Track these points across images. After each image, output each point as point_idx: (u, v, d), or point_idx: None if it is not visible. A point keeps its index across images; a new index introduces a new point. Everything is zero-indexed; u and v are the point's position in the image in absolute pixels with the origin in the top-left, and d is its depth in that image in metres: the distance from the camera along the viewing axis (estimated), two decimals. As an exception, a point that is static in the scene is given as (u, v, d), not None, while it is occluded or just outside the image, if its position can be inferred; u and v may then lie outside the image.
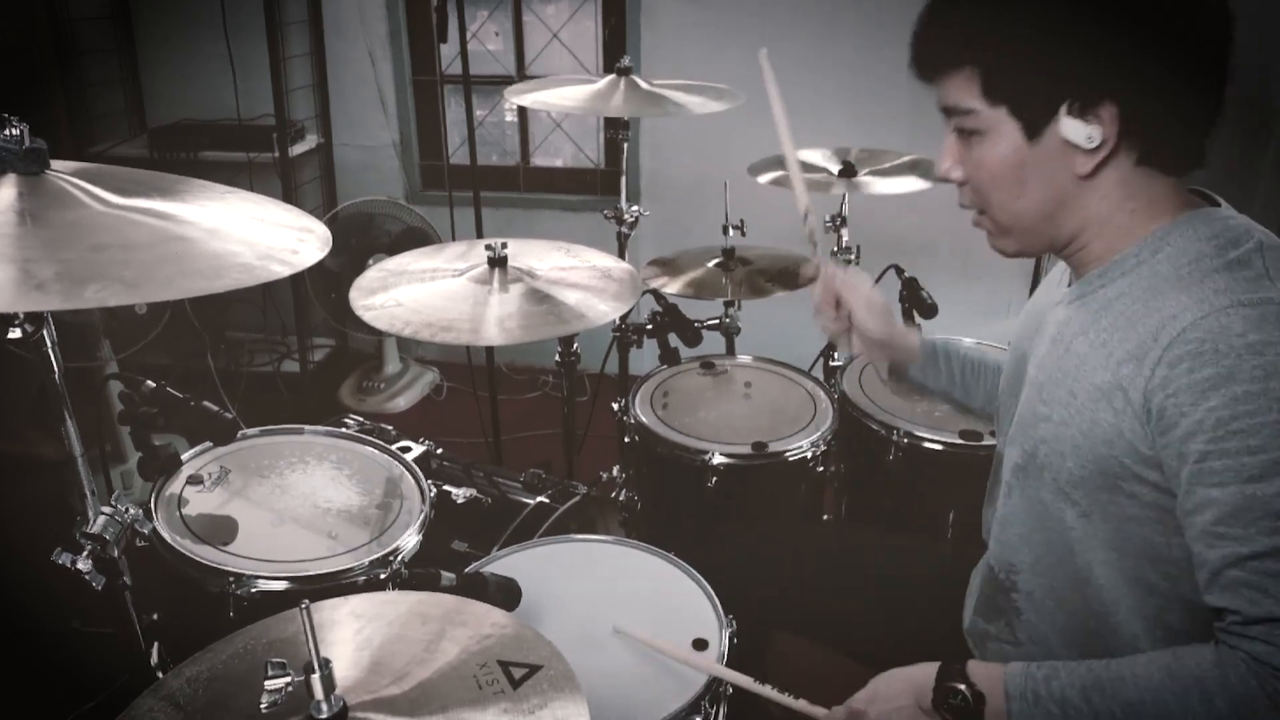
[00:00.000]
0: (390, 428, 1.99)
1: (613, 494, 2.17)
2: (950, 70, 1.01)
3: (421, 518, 1.54)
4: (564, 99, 2.21)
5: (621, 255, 2.37)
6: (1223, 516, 0.89)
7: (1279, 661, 0.86)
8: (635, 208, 2.42)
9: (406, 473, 1.69)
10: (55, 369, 1.10)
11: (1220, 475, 0.88)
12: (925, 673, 1.07)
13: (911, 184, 2.29)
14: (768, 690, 1.19)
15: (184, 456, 1.60)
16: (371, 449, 1.75)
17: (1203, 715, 0.90)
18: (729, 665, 1.29)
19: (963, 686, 1.02)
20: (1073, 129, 0.96)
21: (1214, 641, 0.94)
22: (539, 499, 1.91)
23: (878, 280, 2.38)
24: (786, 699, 1.17)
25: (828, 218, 2.40)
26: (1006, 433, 1.21)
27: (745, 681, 1.21)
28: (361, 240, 3.29)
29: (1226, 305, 0.89)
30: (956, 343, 1.47)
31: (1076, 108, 0.96)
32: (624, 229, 2.42)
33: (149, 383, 1.36)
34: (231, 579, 1.39)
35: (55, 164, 1.05)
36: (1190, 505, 0.92)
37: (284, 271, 1.01)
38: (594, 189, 3.67)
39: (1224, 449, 0.88)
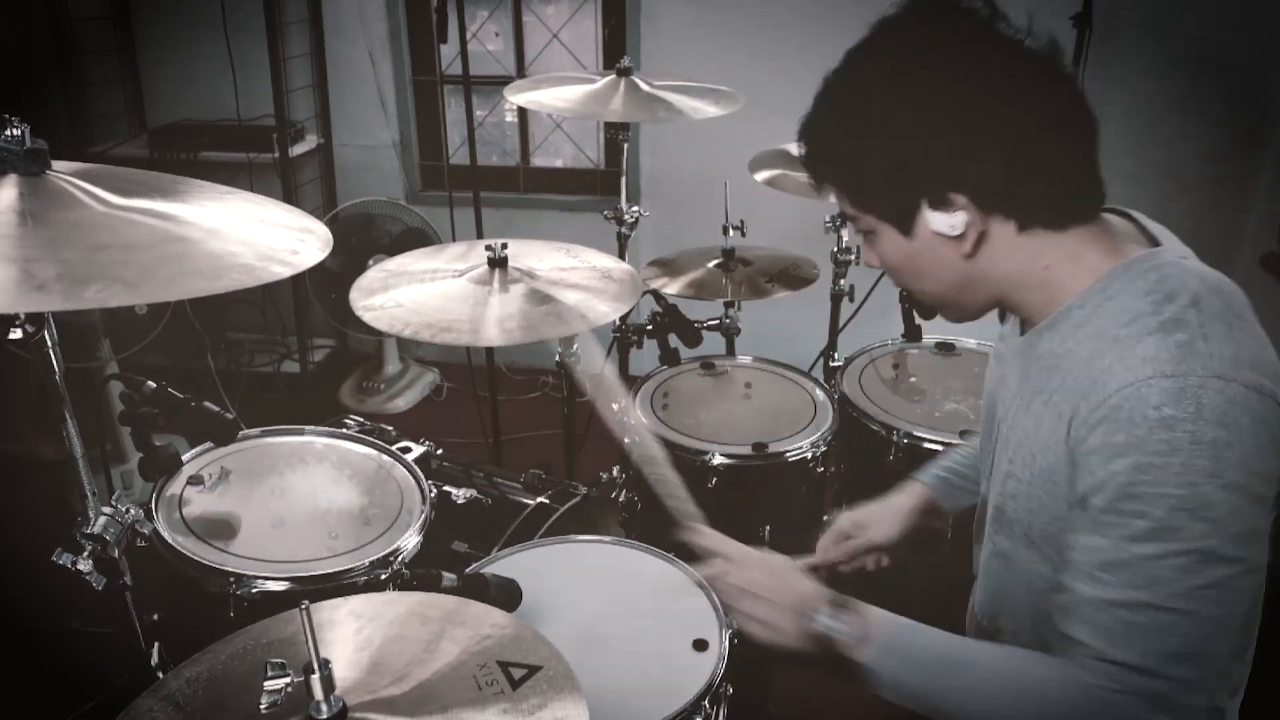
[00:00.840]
0: (390, 428, 1.99)
1: (613, 494, 2.17)
2: (824, 185, 1.08)
3: (422, 518, 1.54)
4: (564, 99, 2.21)
5: (621, 256, 2.37)
6: (1105, 564, 0.93)
7: (1119, 700, 0.92)
8: (635, 208, 2.42)
9: (407, 473, 1.69)
10: (56, 369, 1.10)
11: (1110, 530, 0.92)
12: (815, 592, 1.09)
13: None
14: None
15: (184, 457, 1.60)
16: (372, 449, 1.75)
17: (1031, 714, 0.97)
18: (728, 667, 1.29)
19: (844, 629, 1.05)
20: (936, 221, 1.00)
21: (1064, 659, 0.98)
22: (539, 500, 1.91)
23: (877, 282, 2.39)
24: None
25: (828, 218, 2.40)
26: (988, 477, 1.21)
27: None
28: (362, 240, 3.29)
29: (1149, 376, 0.91)
30: (942, 463, 1.44)
31: (932, 202, 1.00)
32: (624, 229, 2.41)
33: (149, 383, 1.36)
34: (232, 579, 1.40)
35: (56, 165, 1.05)
36: (1076, 543, 0.96)
37: (284, 272, 1.01)
38: (594, 189, 3.67)
39: (1119, 509, 0.91)
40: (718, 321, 2.37)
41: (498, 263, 1.71)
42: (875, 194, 1.04)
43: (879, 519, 1.40)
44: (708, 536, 1.20)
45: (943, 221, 1.00)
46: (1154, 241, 1.04)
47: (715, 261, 2.34)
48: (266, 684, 0.82)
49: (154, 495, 1.53)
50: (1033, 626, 1.12)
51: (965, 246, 1.01)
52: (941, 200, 0.99)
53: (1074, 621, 0.96)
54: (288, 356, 3.63)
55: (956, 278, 1.05)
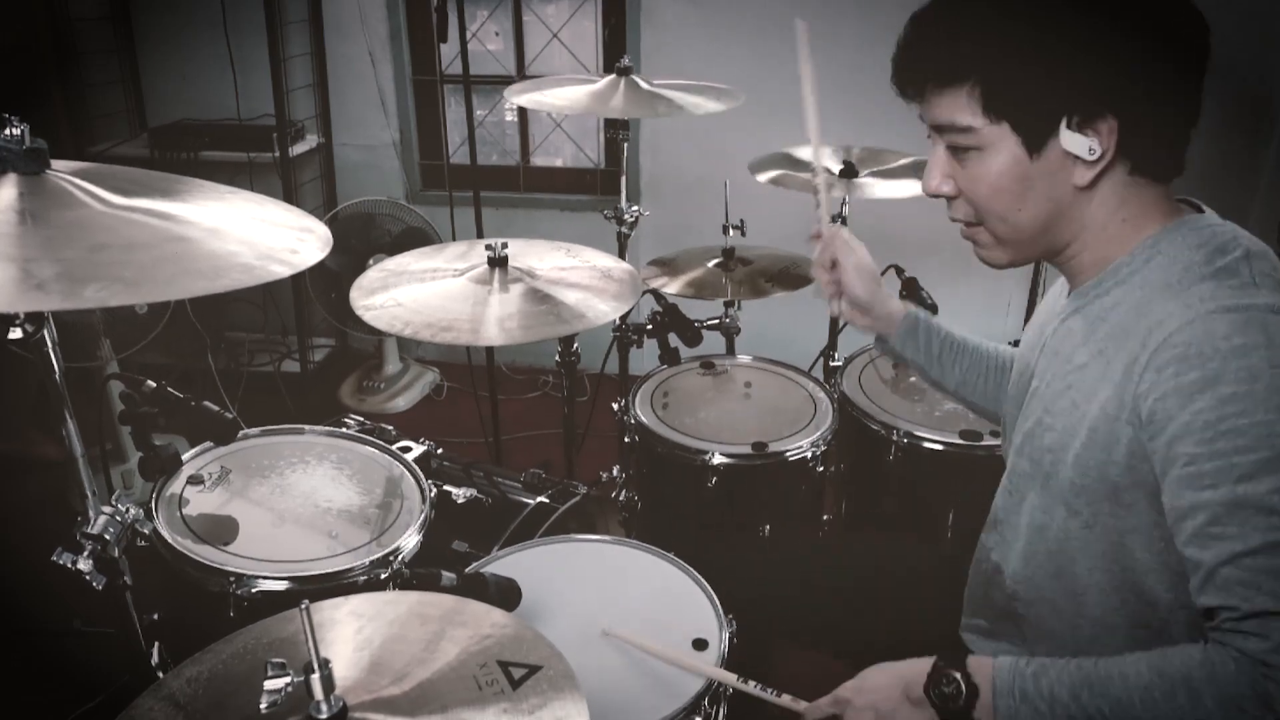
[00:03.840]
0: (390, 428, 1.99)
1: (613, 494, 2.17)
2: (946, 86, 1.00)
3: (422, 518, 1.54)
4: (564, 99, 2.21)
5: (621, 255, 2.37)
6: (1216, 517, 0.89)
7: (1272, 658, 0.86)
8: (635, 208, 2.41)
9: (407, 473, 1.69)
10: (56, 369, 1.10)
11: (1212, 477, 0.89)
12: (917, 664, 1.06)
13: (912, 188, 2.29)
14: (752, 688, 1.19)
15: (185, 456, 1.60)
16: (372, 449, 1.75)
17: (1189, 713, 0.89)
18: (728, 666, 1.29)
19: (958, 675, 1.01)
20: (1074, 142, 0.97)
21: (1203, 641, 0.94)
22: (539, 499, 1.91)
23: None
24: (769, 695, 1.17)
25: (828, 218, 2.40)
26: (1013, 443, 1.21)
27: (730, 679, 1.21)
28: (362, 240, 3.29)
29: (1211, 310, 0.90)
30: (938, 323, 1.45)
31: (1076, 121, 0.96)
32: (624, 229, 2.41)
33: (149, 383, 1.36)
34: (232, 579, 1.39)
35: (56, 164, 1.05)
36: (1182, 507, 0.92)
37: (284, 272, 1.01)
38: (594, 189, 3.67)
39: (1214, 450, 0.88)
40: (718, 321, 2.36)
41: (498, 262, 1.71)
42: (1021, 100, 0.97)
43: (865, 276, 1.39)
44: (816, 708, 1.15)
45: (1080, 144, 0.97)
46: (1200, 211, 1.06)
47: (715, 261, 2.33)
48: (266, 684, 0.82)
49: (154, 495, 1.53)
50: (1048, 583, 1.12)
51: (1087, 176, 0.99)
52: (1089, 120, 0.96)
53: (1206, 591, 0.91)
54: (288, 356, 3.63)
55: (1055, 210, 1.03)
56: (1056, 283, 1.26)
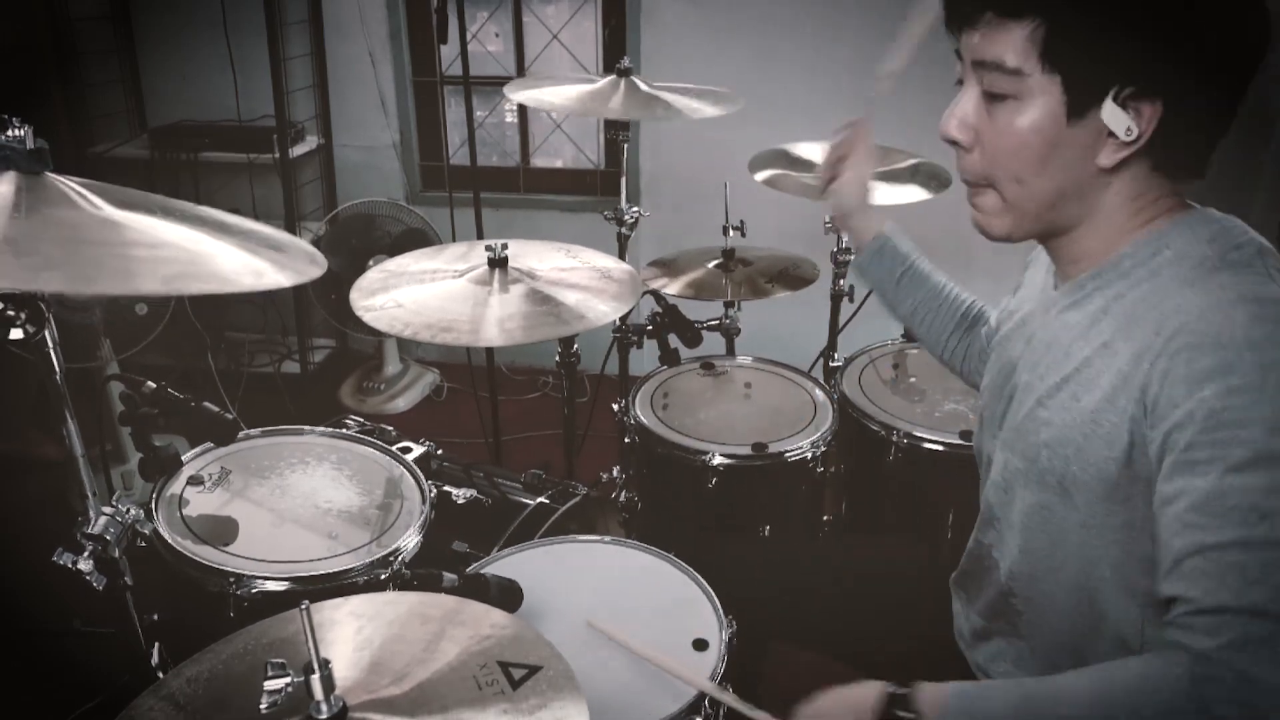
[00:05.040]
0: (390, 428, 1.99)
1: (613, 494, 2.17)
2: (1007, 19, 0.93)
3: (422, 518, 1.54)
4: (564, 98, 2.21)
5: (621, 256, 2.37)
6: (1196, 504, 0.86)
7: (1217, 654, 0.83)
8: (635, 209, 2.42)
9: (407, 473, 1.69)
10: (56, 369, 1.10)
11: (1204, 464, 0.86)
12: (868, 693, 1.03)
13: (913, 193, 2.28)
14: (728, 696, 1.18)
15: (185, 457, 1.60)
16: (372, 449, 1.75)
17: None
18: (729, 667, 1.29)
19: (910, 716, 0.99)
20: (1115, 117, 0.93)
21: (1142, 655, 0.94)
22: (539, 500, 1.91)
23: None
24: (745, 709, 1.14)
25: (828, 219, 2.40)
26: (995, 436, 1.20)
27: (707, 686, 1.21)
28: (362, 241, 3.29)
29: (1232, 299, 0.88)
30: (907, 249, 1.45)
31: (1124, 95, 0.92)
32: (624, 230, 2.42)
33: (150, 383, 1.36)
34: (232, 579, 1.40)
35: (60, 176, 1.04)
36: (1167, 493, 0.89)
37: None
38: (594, 190, 3.67)
39: (1212, 438, 0.86)
40: (718, 322, 2.37)
41: (498, 263, 1.71)
42: (1082, 55, 0.92)
43: (861, 180, 1.43)
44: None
45: (1120, 121, 0.92)
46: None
47: (715, 262, 2.34)
48: (266, 684, 0.82)
49: (154, 495, 1.54)
50: (1048, 577, 1.10)
51: (1114, 157, 0.96)
52: (1137, 99, 0.92)
53: (1169, 579, 0.87)
54: (288, 356, 3.63)
55: (1070, 186, 0.99)
56: (1036, 268, 1.23)
